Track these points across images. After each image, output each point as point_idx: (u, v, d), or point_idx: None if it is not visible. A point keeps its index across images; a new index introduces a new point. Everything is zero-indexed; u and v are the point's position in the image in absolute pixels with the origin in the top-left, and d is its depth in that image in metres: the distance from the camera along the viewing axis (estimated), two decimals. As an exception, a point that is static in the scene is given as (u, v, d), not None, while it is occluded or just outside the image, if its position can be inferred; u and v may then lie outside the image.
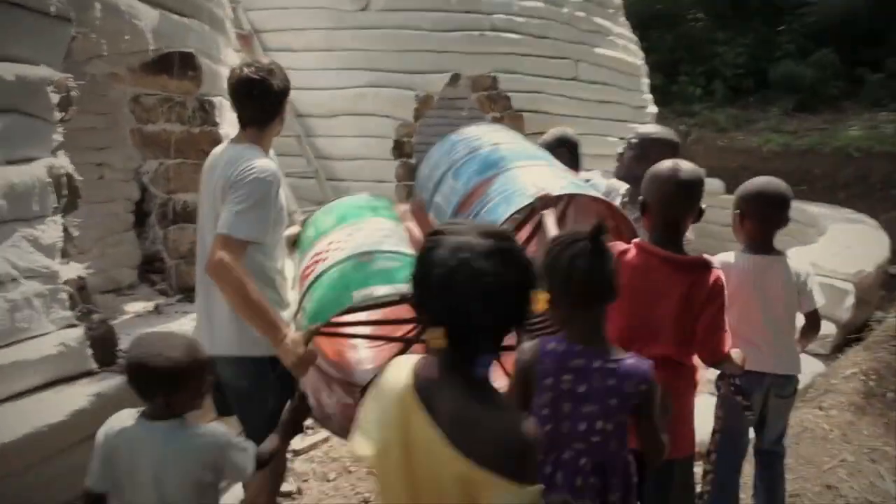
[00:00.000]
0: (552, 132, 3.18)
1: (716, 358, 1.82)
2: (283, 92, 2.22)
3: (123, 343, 2.50)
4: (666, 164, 1.85)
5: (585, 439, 1.47)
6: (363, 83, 4.90)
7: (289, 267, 2.22)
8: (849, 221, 6.55)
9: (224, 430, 1.59)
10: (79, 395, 2.03)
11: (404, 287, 1.86)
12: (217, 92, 3.17)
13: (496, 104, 5.28)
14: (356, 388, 2.36)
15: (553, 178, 2.17)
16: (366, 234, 2.13)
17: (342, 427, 2.12)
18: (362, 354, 2.58)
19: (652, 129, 2.91)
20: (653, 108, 6.98)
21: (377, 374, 2.55)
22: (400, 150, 4.89)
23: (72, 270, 2.20)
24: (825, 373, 3.50)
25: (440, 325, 1.08)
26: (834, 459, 2.71)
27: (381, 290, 1.93)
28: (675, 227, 1.83)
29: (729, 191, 8.58)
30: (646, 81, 6.91)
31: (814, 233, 6.84)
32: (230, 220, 1.95)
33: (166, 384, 1.46)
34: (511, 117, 5.26)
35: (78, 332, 2.11)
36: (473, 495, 1.06)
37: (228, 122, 3.31)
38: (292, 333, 1.92)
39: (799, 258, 2.39)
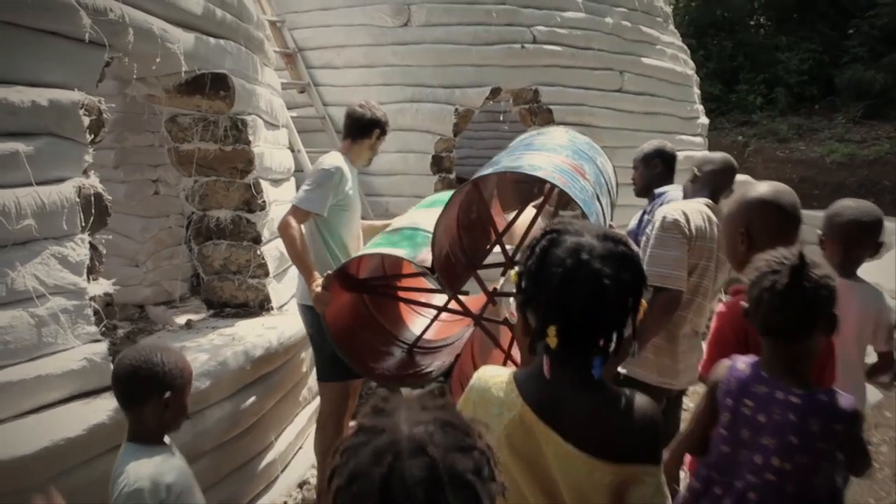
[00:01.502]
0: (650, 143, 3.37)
1: None
2: (372, 122, 3.11)
3: (151, 357, 2.57)
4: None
5: (758, 473, 1.39)
6: (403, 98, 4.92)
7: (351, 243, 3.07)
8: (920, 236, 6.14)
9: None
10: (100, 410, 2.08)
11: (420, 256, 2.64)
12: (252, 110, 3.24)
13: (538, 117, 5.21)
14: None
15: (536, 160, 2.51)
16: (418, 216, 2.97)
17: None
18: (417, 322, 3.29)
19: (714, 156, 2.88)
20: (704, 119, 6.76)
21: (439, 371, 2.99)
22: (439, 164, 4.88)
23: (99, 287, 2.27)
24: (878, 403, 3.27)
25: (552, 324, 1.10)
26: (881, 503, 2.51)
27: (390, 251, 2.75)
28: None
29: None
30: (696, 91, 6.69)
31: (883, 250, 6.45)
32: (299, 195, 2.90)
33: (152, 391, 1.48)
34: (552, 130, 5.19)
35: (102, 348, 2.17)
36: (622, 490, 1.10)
37: (263, 139, 3.39)
38: (318, 279, 2.71)
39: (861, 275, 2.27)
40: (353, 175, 3.08)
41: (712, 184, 2.61)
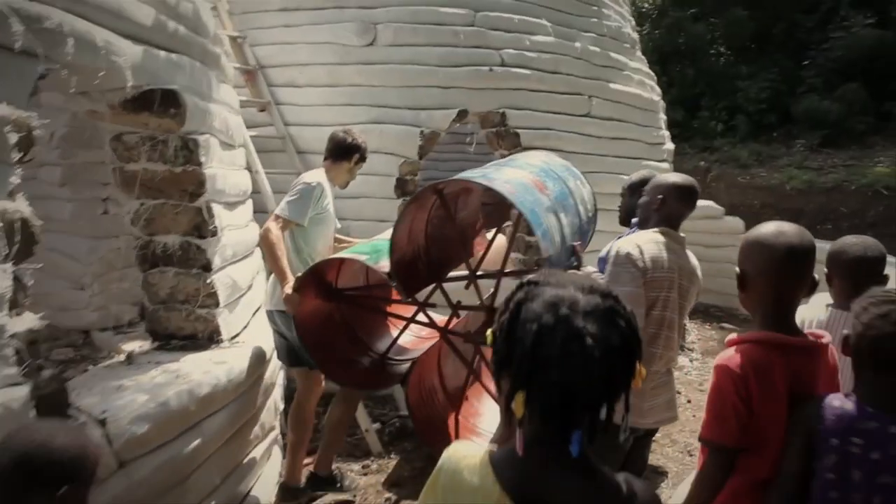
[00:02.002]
0: (638, 173, 3.31)
1: None
2: (352, 146, 3.49)
3: (81, 399, 2.34)
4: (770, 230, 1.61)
5: None
6: (367, 119, 4.77)
7: (324, 254, 3.37)
8: (878, 265, 6.22)
9: None
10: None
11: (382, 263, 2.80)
12: (205, 130, 3.04)
13: (505, 141, 5.12)
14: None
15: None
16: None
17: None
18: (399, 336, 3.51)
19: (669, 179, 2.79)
20: (669, 145, 6.78)
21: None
22: (403, 188, 4.73)
23: (22, 323, 2.03)
24: None
25: (520, 390, 0.93)
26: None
27: (352, 257, 3.09)
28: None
29: (749, 229, 8.31)
30: (662, 117, 6.72)
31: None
32: (282, 205, 3.29)
33: (45, 485, 1.22)
34: (520, 155, 5.10)
35: (21, 392, 1.93)
36: None
37: (217, 159, 3.19)
38: (291, 282, 3.11)
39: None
40: (330, 192, 3.45)
41: (669, 210, 2.50)
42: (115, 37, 2.38)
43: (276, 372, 3.71)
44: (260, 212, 4.44)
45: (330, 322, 3.40)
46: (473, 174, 2.70)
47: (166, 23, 2.71)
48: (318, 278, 3.18)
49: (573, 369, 0.90)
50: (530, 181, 2.66)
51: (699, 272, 2.57)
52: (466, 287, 3.05)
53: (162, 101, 2.68)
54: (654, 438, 4.38)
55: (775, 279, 1.55)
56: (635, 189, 3.23)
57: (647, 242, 2.40)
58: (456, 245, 3.17)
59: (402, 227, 2.84)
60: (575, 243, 2.78)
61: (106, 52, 2.33)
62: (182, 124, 2.79)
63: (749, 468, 1.56)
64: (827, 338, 1.62)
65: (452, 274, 3.15)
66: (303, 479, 3.56)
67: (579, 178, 3.04)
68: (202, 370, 2.71)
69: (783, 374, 1.52)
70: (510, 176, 2.63)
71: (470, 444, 1.09)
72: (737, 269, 1.63)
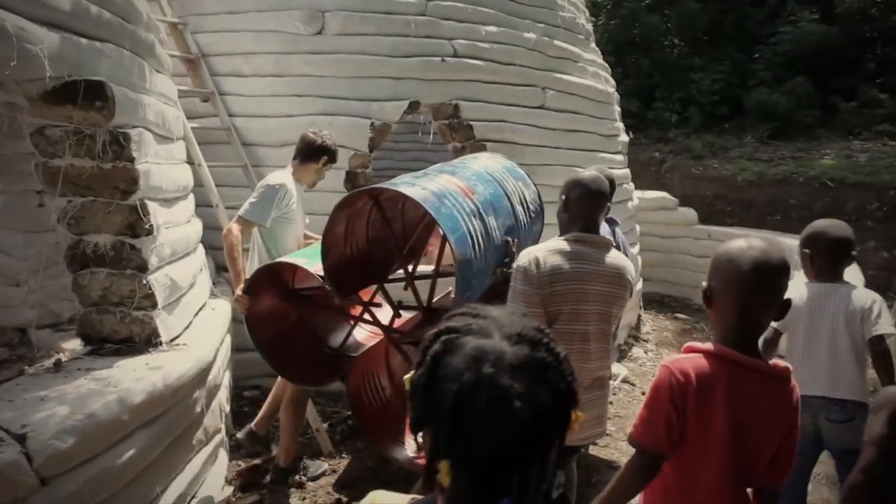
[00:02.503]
0: (588, 170, 3.14)
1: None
2: (321, 148, 3.58)
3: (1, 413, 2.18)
4: (739, 245, 1.54)
5: None
6: (316, 111, 4.63)
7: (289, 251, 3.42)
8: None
9: None
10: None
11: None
12: (137, 123, 2.88)
13: (458, 133, 5.04)
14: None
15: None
16: None
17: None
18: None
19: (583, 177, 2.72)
20: (624, 137, 6.81)
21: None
22: (353, 181, 4.61)
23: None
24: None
25: (444, 458, 0.81)
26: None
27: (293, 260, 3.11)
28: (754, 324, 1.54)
29: (703, 220, 8.46)
30: (617, 109, 6.74)
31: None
32: (245, 206, 3.36)
33: None
34: (474, 147, 5.02)
35: (-76, 411, 1.79)
36: None
37: (153, 154, 3.03)
38: (242, 284, 3.21)
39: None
40: (297, 192, 3.54)
41: (586, 212, 2.39)
42: (28, 23, 2.21)
43: (221, 373, 3.58)
44: (203, 205, 4.28)
45: (286, 321, 3.47)
46: (399, 180, 2.77)
47: (88, 8, 2.53)
48: (274, 278, 3.24)
49: (501, 435, 0.80)
50: (456, 187, 2.72)
51: (630, 271, 2.45)
52: (405, 288, 3.12)
53: (86, 93, 2.51)
54: (609, 433, 4.44)
55: (739, 295, 1.49)
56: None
57: (548, 253, 2.30)
58: (398, 247, 3.22)
59: (335, 229, 2.90)
60: (507, 238, 2.80)
61: (17, 39, 2.16)
62: (110, 118, 2.62)
63: (672, 474, 1.52)
64: (789, 368, 1.54)
65: (393, 275, 3.22)
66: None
67: (522, 178, 3.13)
68: (135, 377, 2.57)
69: (726, 393, 1.45)
70: (438, 183, 2.71)
71: (392, 493, 1.00)
72: (704, 283, 1.57)
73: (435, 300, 3.06)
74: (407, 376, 0.90)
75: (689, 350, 1.56)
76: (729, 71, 12.72)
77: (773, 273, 1.47)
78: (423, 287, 3.07)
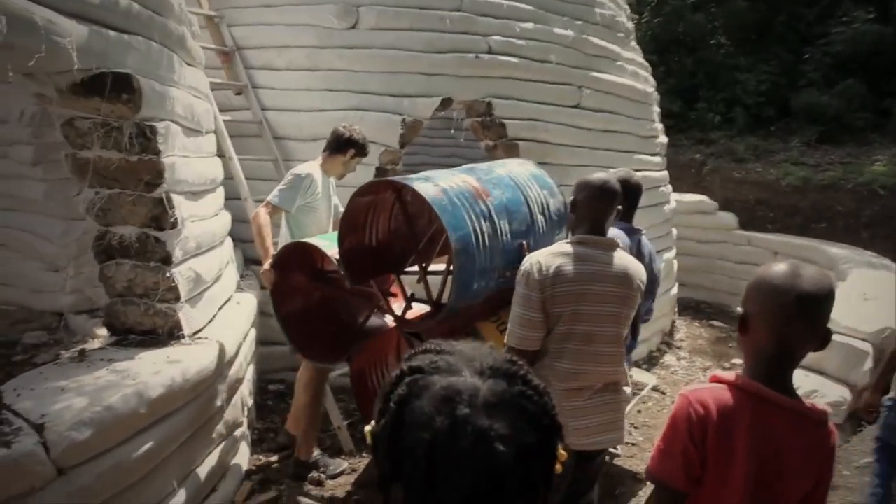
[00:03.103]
0: (616, 172, 3.07)
1: None
2: (349, 141, 3.66)
3: (20, 402, 2.20)
4: (783, 270, 1.38)
5: None
6: (348, 106, 4.60)
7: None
8: (871, 267, 6.12)
9: None
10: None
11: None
12: (165, 116, 2.89)
13: (490, 131, 4.96)
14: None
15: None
16: None
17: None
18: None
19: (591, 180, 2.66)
20: (663, 138, 6.63)
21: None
22: (383, 177, 4.57)
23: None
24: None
25: None
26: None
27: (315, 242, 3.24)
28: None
29: (743, 226, 8.20)
30: (656, 110, 6.56)
31: (834, 277, 6.42)
32: (273, 192, 3.53)
33: None
34: (506, 146, 4.94)
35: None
36: None
37: (180, 147, 3.04)
38: (270, 259, 3.36)
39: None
40: (325, 183, 3.68)
41: (592, 214, 2.35)
42: (56, 15, 2.22)
43: (243, 367, 3.59)
44: (233, 198, 4.30)
45: (309, 299, 3.57)
46: (417, 176, 2.85)
47: (118, 0, 2.53)
48: (301, 258, 3.38)
49: (481, 482, 0.70)
50: (471, 188, 2.77)
51: (639, 274, 2.37)
52: (418, 282, 3.17)
53: (114, 86, 2.52)
54: (634, 443, 4.32)
55: (780, 325, 1.35)
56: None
57: (550, 256, 2.27)
58: (416, 240, 3.29)
59: (353, 216, 3.01)
60: (521, 242, 2.83)
61: (46, 31, 2.17)
62: (137, 110, 2.63)
63: None
64: (826, 411, 1.41)
65: (408, 268, 3.29)
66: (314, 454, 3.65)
67: (549, 187, 3.17)
68: (154, 370, 2.58)
69: (748, 429, 1.33)
70: (452, 182, 2.76)
71: None
72: (739, 308, 1.44)
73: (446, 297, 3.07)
74: (368, 428, 0.80)
75: (715, 380, 1.45)
76: (776, 72, 12.29)
77: (819, 303, 1.33)
78: (436, 283, 3.09)
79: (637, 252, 2.96)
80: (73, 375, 2.46)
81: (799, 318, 1.32)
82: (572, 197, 2.42)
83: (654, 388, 5.01)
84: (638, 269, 2.39)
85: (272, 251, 3.40)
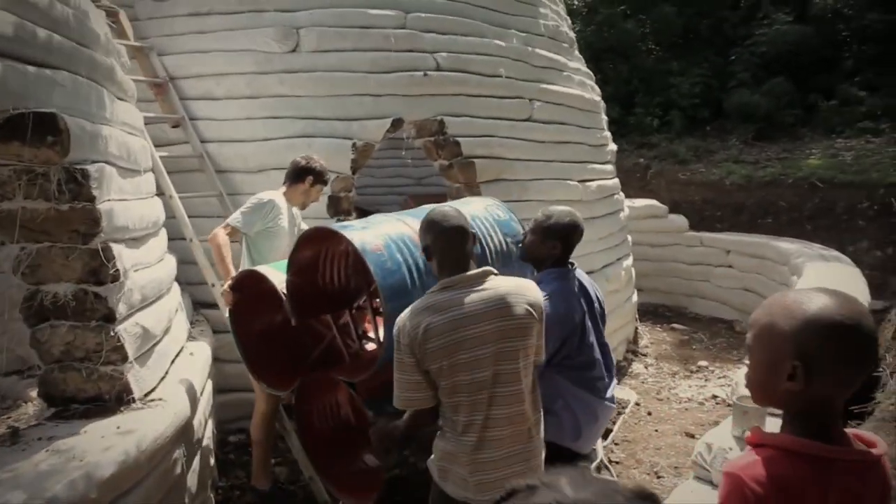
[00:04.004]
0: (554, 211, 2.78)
1: None
2: (304, 169, 3.65)
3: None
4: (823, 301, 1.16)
5: None
6: (294, 133, 4.36)
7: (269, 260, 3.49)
8: (823, 259, 6.23)
9: None
10: None
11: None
12: (98, 157, 2.60)
13: (444, 150, 4.80)
14: None
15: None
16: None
17: None
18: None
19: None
20: (612, 146, 6.63)
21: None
22: (336, 206, 4.33)
23: None
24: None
25: None
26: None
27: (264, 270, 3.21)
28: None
29: (693, 227, 8.31)
30: (604, 118, 6.56)
31: (787, 271, 6.51)
32: (234, 214, 3.55)
33: None
34: (461, 165, 4.79)
35: None
36: None
37: (116, 190, 2.75)
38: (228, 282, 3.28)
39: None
40: (288, 211, 3.66)
41: (448, 253, 2.16)
42: (-37, 52, 1.93)
43: (203, 425, 3.29)
44: (177, 238, 3.99)
45: (270, 322, 3.45)
46: (357, 223, 2.96)
47: (34, 32, 2.26)
48: (259, 283, 3.24)
49: None
50: (412, 234, 2.72)
51: (523, 291, 2.13)
52: (366, 321, 3.28)
53: (36, 128, 2.23)
54: (617, 461, 4.20)
55: (844, 375, 1.15)
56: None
57: (415, 314, 2.05)
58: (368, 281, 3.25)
59: (299, 257, 3.01)
60: None
61: (-48, 70, 1.89)
62: (65, 153, 2.34)
63: None
64: (881, 447, 1.22)
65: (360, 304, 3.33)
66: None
67: (513, 234, 3.09)
68: (103, 445, 2.28)
69: (817, 500, 1.14)
70: (396, 228, 2.78)
71: None
72: (795, 361, 1.14)
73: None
74: None
75: (754, 443, 1.22)
76: (708, 74, 12.68)
77: (875, 332, 1.17)
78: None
79: (580, 291, 2.71)
80: (7, 463, 2.13)
81: (870, 353, 1.17)
82: (422, 245, 2.21)
83: (636, 403, 4.93)
84: (525, 290, 2.14)
85: (232, 272, 3.36)
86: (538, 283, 2.56)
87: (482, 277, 2.11)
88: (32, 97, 2.24)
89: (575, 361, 2.62)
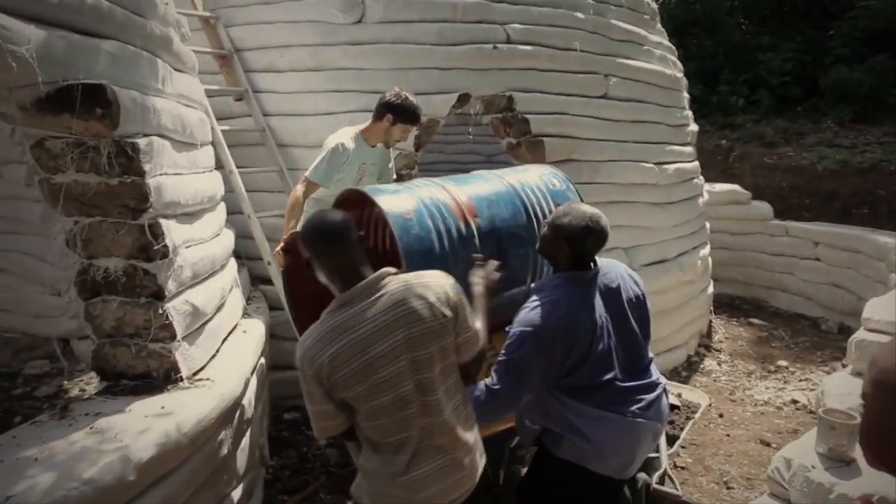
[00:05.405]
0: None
1: None
2: (383, 105, 3.43)
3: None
4: None
5: None
6: (357, 107, 4.22)
7: None
8: (929, 257, 5.64)
9: None
10: None
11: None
12: (150, 130, 2.53)
13: (512, 128, 4.56)
14: None
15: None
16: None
17: None
18: None
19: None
20: (693, 126, 6.19)
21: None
22: (400, 181, 4.19)
23: None
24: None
25: None
26: None
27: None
28: None
29: (778, 215, 7.73)
30: (686, 96, 6.12)
31: (883, 268, 5.95)
32: (312, 167, 3.40)
33: None
34: (530, 144, 4.54)
35: None
36: None
37: (169, 165, 2.69)
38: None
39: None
40: (363, 150, 3.46)
41: (334, 263, 1.95)
42: (8, 19, 1.87)
43: (252, 405, 3.24)
44: (237, 212, 3.96)
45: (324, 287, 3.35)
46: (391, 187, 2.84)
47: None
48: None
49: None
50: (452, 204, 2.60)
51: (436, 286, 1.92)
52: None
53: (84, 99, 2.16)
54: (683, 466, 3.93)
55: None
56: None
57: (317, 341, 1.84)
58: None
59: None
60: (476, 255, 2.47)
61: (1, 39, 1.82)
62: (114, 126, 2.27)
63: None
64: None
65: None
66: None
67: (559, 196, 2.88)
68: (145, 426, 2.23)
69: None
70: (430, 194, 2.63)
71: None
72: None
73: None
74: None
75: None
76: (801, 49, 11.75)
77: None
78: None
79: (605, 296, 2.36)
80: (51, 439, 2.12)
81: None
82: (307, 260, 1.97)
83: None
84: (427, 286, 1.91)
85: (290, 226, 3.23)
86: (539, 289, 2.34)
87: (378, 283, 1.89)
88: (81, 67, 2.17)
89: (582, 378, 2.28)
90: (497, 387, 2.21)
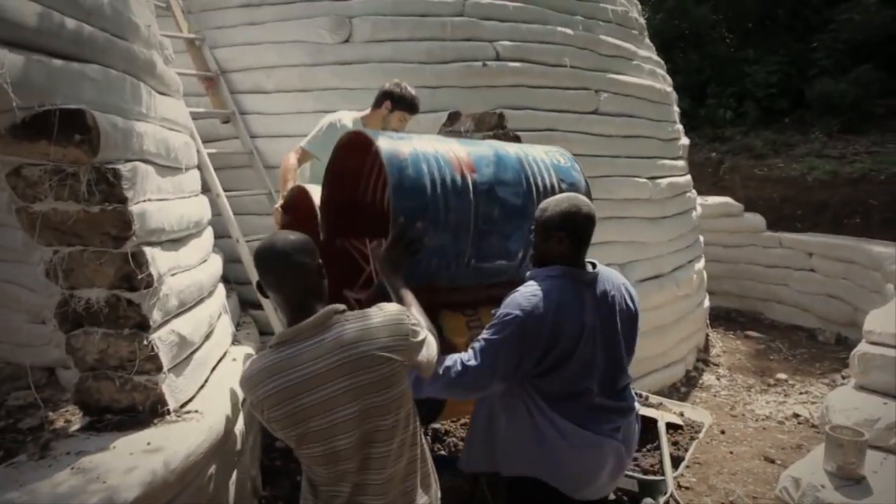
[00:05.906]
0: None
1: None
2: (383, 93, 3.52)
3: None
4: None
5: None
6: (345, 127, 4.16)
7: None
8: (924, 266, 5.62)
9: None
10: None
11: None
12: (132, 156, 2.45)
13: (504, 145, 4.51)
14: None
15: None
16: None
17: None
18: None
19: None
20: (684, 140, 6.18)
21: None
22: (389, 204, 4.12)
23: None
24: None
25: None
26: None
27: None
28: None
29: (770, 226, 7.72)
30: (676, 110, 6.12)
31: (879, 278, 5.93)
32: (307, 137, 3.50)
33: None
34: (521, 160, 4.49)
35: None
36: None
37: (153, 190, 2.60)
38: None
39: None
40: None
41: (283, 291, 1.81)
42: (-19, 43, 1.79)
43: (242, 437, 3.13)
44: (223, 236, 3.87)
45: (326, 248, 3.24)
46: (395, 134, 2.74)
47: (63, 22, 2.11)
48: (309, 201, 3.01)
49: None
50: (452, 157, 2.48)
51: (393, 328, 1.76)
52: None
53: (62, 125, 2.08)
54: (687, 486, 3.84)
55: None
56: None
57: (258, 373, 1.69)
58: None
59: (335, 167, 2.78)
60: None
61: (-30, 64, 1.75)
62: (94, 153, 2.19)
63: None
64: None
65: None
66: None
67: (572, 182, 2.76)
68: (130, 464, 2.13)
69: None
70: (430, 145, 2.52)
71: None
72: None
73: None
74: None
75: None
76: (786, 61, 11.86)
77: None
78: None
79: (598, 301, 2.23)
80: (30, 481, 2.01)
81: None
82: (257, 284, 1.82)
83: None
84: (380, 322, 1.75)
85: (286, 189, 3.28)
86: (534, 276, 2.21)
87: (325, 322, 1.71)
88: (59, 92, 2.10)
89: (558, 382, 2.16)
90: (471, 363, 2.07)
